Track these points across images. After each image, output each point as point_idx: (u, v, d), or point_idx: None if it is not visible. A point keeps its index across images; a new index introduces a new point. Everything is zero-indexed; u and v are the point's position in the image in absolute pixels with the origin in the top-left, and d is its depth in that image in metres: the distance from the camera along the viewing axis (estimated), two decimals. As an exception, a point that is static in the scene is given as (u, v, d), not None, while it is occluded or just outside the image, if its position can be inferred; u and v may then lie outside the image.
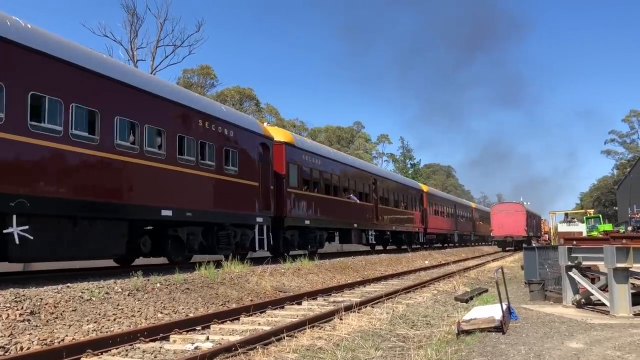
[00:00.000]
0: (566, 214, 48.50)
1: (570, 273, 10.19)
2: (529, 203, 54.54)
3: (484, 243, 59.60)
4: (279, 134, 19.28)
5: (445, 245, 45.09)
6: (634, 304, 9.09)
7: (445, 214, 45.17)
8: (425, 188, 40.95)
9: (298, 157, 19.74)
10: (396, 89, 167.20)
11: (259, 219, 16.48)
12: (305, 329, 7.48)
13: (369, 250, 29.51)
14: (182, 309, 8.96)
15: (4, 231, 8.94)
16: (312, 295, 11.39)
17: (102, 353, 6.12)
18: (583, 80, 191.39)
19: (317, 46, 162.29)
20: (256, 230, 16.51)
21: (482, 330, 7.44)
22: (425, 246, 37.59)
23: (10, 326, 6.61)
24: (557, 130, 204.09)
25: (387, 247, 32.08)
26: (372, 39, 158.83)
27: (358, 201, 25.29)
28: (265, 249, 17.05)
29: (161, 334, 7.03)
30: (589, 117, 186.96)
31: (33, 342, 6.27)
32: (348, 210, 24.18)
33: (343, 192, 23.86)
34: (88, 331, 7.00)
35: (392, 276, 17.10)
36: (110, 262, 14.35)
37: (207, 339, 7.04)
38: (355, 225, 24.98)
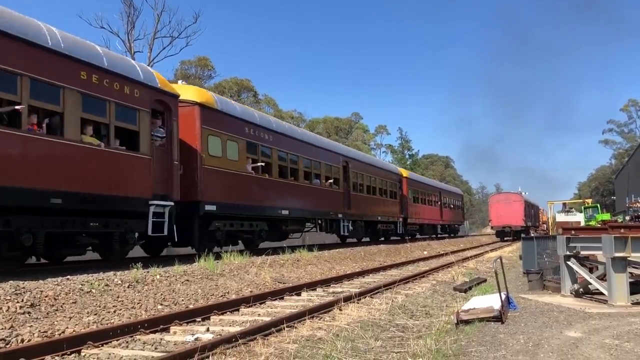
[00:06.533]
0: (564, 204, 48.34)
1: (569, 262, 10.23)
2: (527, 193, 54.55)
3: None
4: (403, 172, 35.71)
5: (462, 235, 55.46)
6: (632, 293, 9.13)
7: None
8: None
9: (412, 184, 36.08)
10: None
11: (399, 219, 32.33)
12: (305, 319, 7.50)
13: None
14: (182, 300, 8.98)
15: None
16: (312, 286, 11.42)
17: (102, 345, 6.13)
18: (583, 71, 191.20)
19: (316, 37, 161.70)
20: (396, 224, 32.18)
21: (481, 320, 7.47)
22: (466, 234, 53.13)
23: (10, 318, 6.62)
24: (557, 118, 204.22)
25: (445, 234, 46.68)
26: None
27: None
28: (401, 232, 33.01)
29: (161, 326, 7.04)
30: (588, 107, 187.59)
31: (34, 334, 6.27)
32: (430, 212, 40.19)
33: (432, 202, 40.62)
34: (88, 323, 7.01)
35: (390, 267, 17.15)
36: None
37: (208, 330, 7.06)
38: (429, 222, 40.50)
